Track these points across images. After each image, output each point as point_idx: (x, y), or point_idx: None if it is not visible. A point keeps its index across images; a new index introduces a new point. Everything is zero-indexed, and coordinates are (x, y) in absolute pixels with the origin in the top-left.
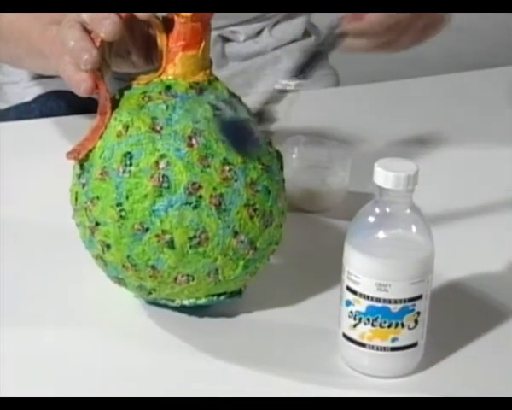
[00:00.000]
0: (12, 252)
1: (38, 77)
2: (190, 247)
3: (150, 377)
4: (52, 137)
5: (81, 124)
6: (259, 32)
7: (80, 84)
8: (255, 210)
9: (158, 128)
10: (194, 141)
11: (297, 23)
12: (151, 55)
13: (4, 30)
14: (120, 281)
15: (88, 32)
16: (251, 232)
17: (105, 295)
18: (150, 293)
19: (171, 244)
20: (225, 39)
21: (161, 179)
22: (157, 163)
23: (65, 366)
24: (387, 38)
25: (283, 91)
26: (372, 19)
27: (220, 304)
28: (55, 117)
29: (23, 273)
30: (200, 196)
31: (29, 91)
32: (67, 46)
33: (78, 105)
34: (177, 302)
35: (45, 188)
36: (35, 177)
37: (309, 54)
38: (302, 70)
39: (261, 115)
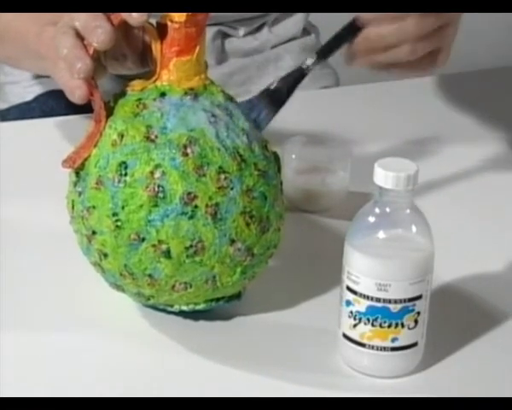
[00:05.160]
0: (11, 252)
1: (39, 76)
2: (187, 256)
3: (148, 378)
4: (53, 137)
5: (82, 124)
6: (259, 28)
7: (75, 91)
8: (252, 217)
9: (153, 137)
10: (189, 150)
11: (296, 20)
12: (147, 58)
13: (1, 30)
14: (119, 287)
15: (81, 38)
16: (248, 239)
17: (103, 297)
18: (149, 299)
19: (167, 254)
20: (225, 35)
21: (157, 189)
22: (152, 173)
23: (64, 367)
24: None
25: (303, 70)
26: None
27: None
28: (56, 116)
29: (22, 274)
30: (196, 206)
31: (30, 91)
32: (61, 54)
33: (79, 104)
34: (176, 308)
35: (46, 188)
36: (36, 177)
37: (334, 37)
38: (324, 53)
39: (272, 94)
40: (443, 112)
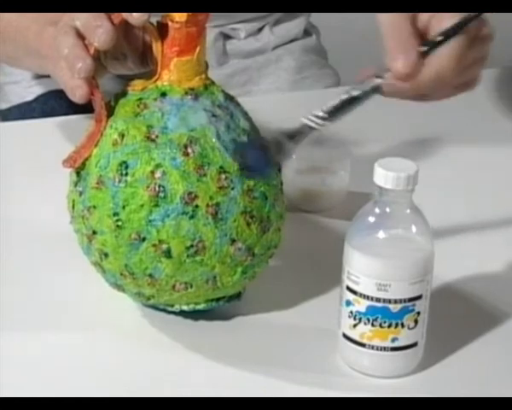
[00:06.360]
0: (12, 252)
1: (39, 76)
2: (187, 256)
3: (148, 378)
4: (54, 137)
5: (83, 124)
6: (260, 30)
7: (75, 91)
8: (252, 217)
9: (153, 137)
10: (189, 150)
11: (297, 22)
12: (147, 58)
13: (2, 30)
14: (119, 287)
15: (82, 38)
16: (248, 239)
17: (103, 297)
18: (149, 299)
19: (168, 254)
20: (226, 36)
21: (157, 189)
22: (153, 173)
23: (64, 366)
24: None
25: (310, 128)
26: (422, 82)
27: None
28: (57, 117)
29: (22, 274)
30: (197, 206)
31: (30, 91)
32: (62, 53)
33: (80, 104)
34: (177, 307)
35: (47, 188)
36: (37, 177)
37: (344, 98)
38: (334, 113)
39: (279, 146)
40: (443, 112)
